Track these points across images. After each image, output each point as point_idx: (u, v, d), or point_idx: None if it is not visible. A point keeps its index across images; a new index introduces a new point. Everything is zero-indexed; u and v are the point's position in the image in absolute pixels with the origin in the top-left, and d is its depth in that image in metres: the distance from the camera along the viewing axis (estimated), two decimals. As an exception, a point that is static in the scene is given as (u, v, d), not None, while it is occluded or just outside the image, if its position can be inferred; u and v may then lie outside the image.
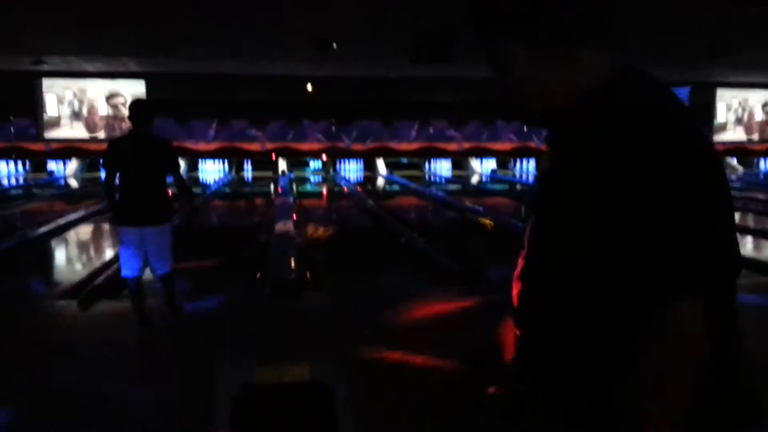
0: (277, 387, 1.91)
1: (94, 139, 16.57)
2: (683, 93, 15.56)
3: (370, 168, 18.45)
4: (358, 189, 14.28)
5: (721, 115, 18.44)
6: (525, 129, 18.59)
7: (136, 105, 4.16)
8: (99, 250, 8.04)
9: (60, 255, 7.82)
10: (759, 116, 18.85)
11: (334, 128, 18.14)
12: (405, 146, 18.47)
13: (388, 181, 16.75)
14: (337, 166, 18.49)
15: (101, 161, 4.24)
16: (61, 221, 8.97)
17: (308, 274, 5.77)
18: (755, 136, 18.93)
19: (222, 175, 17.44)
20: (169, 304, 4.38)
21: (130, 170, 4.08)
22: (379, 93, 17.12)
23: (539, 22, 0.98)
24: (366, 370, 3.34)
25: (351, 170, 18.56)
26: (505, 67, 1.03)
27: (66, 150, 16.78)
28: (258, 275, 5.76)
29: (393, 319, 4.36)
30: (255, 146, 17.83)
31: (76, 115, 16.56)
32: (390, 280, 5.92)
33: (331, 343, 2.55)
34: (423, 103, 17.93)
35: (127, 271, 4.19)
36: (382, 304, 4.78)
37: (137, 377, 3.49)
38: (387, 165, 18.26)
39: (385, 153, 18.34)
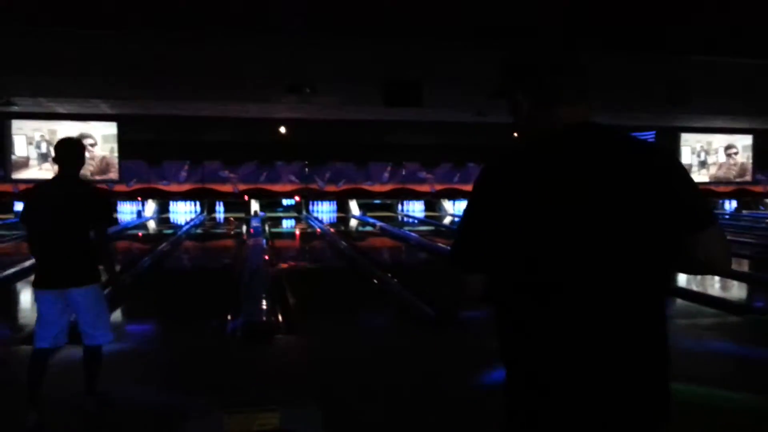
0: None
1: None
2: (649, 136, 16.00)
3: (343, 209, 18.50)
4: (331, 230, 14.26)
5: (686, 158, 18.94)
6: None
7: (62, 143, 3.52)
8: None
9: (26, 298, 7.62)
10: (722, 158, 19.40)
11: (307, 170, 18.21)
12: (378, 188, 18.59)
13: (361, 222, 16.77)
14: (310, 207, 18.52)
15: (21, 213, 3.56)
16: (27, 263, 8.77)
17: (280, 316, 5.70)
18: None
19: (193, 216, 17.30)
20: (88, 387, 3.53)
21: (51, 219, 3.41)
22: (352, 135, 17.29)
23: (538, 87, 1.52)
24: (337, 415, 3.28)
25: (324, 211, 18.57)
26: (517, 111, 1.55)
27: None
28: (229, 317, 5.67)
29: (367, 361, 4.31)
30: (227, 187, 17.79)
31: (44, 157, 16.36)
32: (364, 321, 5.88)
33: (303, 389, 2.50)
34: (396, 146, 18.14)
35: (41, 342, 3.44)
36: (356, 345, 4.74)
37: (98, 427, 3.37)
38: (360, 206, 18.33)
39: (359, 194, 18.44)
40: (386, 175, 18.60)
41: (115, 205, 17.41)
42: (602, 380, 1.40)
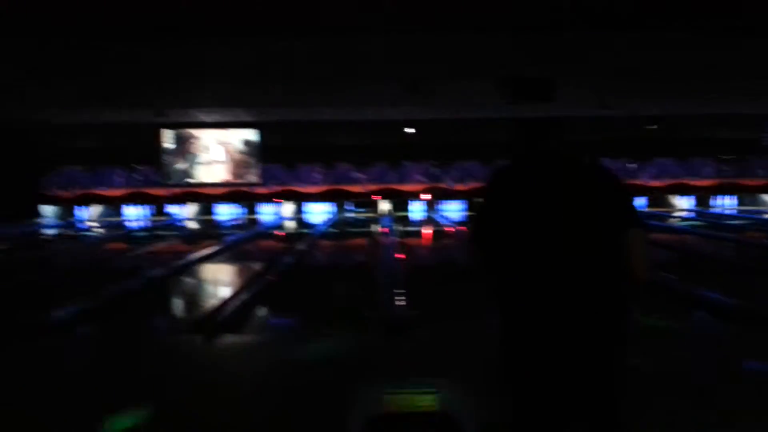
0: (405, 416, 1.96)
1: (209, 185, 17.63)
2: None
3: (473, 208, 18.46)
4: (462, 228, 14.27)
5: None
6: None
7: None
8: (218, 287, 8.47)
9: (183, 292, 8.29)
10: None
11: (435, 169, 18.35)
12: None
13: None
14: (439, 206, 18.66)
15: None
16: (182, 261, 9.53)
17: (416, 311, 5.81)
18: None
19: (327, 216, 17.95)
20: None
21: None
22: (478, 134, 17.22)
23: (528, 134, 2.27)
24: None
25: (453, 210, 18.63)
26: (521, 144, 2.28)
27: (185, 195, 17.91)
28: (367, 314, 5.86)
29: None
30: (358, 188, 18.31)
31: (193, 164, 17.69)
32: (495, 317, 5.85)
33: (454, 376, 2.56)
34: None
35: None
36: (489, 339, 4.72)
37: (261, 409, 3.62)
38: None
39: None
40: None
41: (256, 206, 18.48)
42: (557, 323, 2.00)
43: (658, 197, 18.70)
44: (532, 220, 2.06)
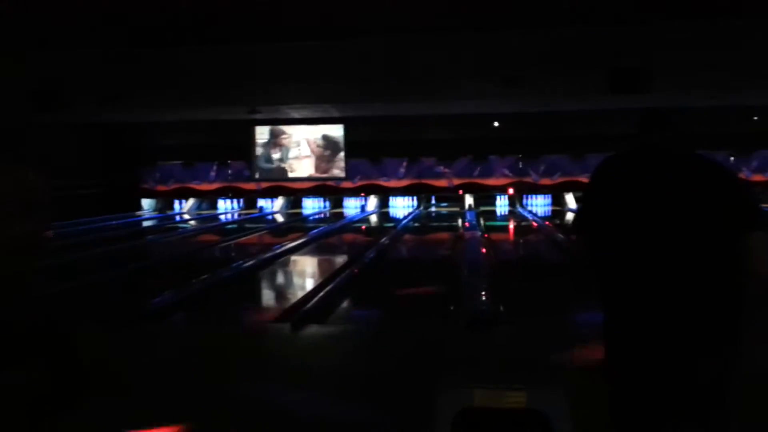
0: (495, 412, 1.94)
1: (296, 179, 18.09)
2: None
3: (558, 203, 18.02)
4: (547, 223, 13.96)
5: None
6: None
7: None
8: (304, 278, 8.68)
9: (271, 283, 8.54)
10: None
11: (521, 163, 18.02)
12: (595, 180, 17.79)
13: (578, 215, 16.18)
14: (524, 200, 18.32)
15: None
16: (270, 253, 9.82)
17: (500, 306, 5.74)
18: None
19: (410, 210, 18.01)
20: None
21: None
22: (567, 127, 16.77)
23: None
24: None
25: (539, 205, 18.25)
26: (634, 136, 2.27)
27: (273, 189, 18.45)
28: (451, 308, 5.84)
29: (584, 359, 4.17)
30: (442, 182, 18.24)
31: (281, 158, 18.17)
32: (583, 318, 5.69)
33: (542, 372, 2.51)
34: (614, 137, 17.16)
35: None
36: (574, 341, 4.59)
37: (347, 397, 3.68)
38: (577, 199, 17.69)
39: (574, 187, 17.79)
40: (605, 166, 17.72)
41: (342, 200, 18.79)
42: (663, 324, 1.92)
43: (760, 192, 17.61)
44: (641, 216, 1.99)
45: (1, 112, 12.22)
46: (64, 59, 8.25)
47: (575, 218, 2.26)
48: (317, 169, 18.15)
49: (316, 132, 17.97)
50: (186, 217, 18.07)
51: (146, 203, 19.06)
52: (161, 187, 18.90)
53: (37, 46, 7.47)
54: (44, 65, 8.55)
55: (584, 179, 17.64)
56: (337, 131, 17.85)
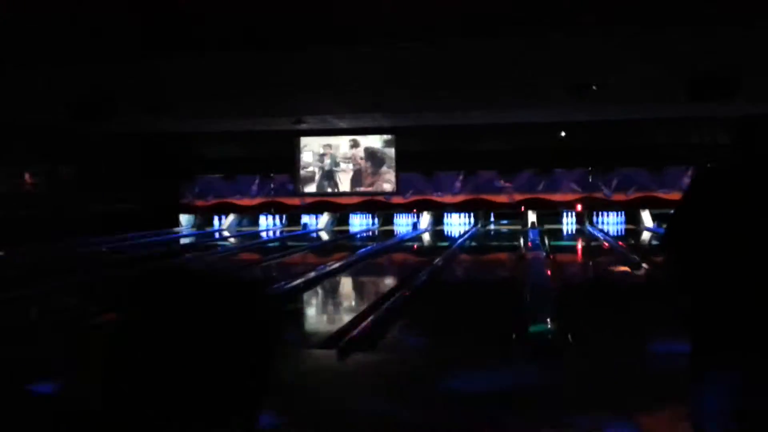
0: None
1: (342, 194, 18.21)
2: None
3: (634, 221, 17.62)
4: (620, 243, 13.67)
5: None
6: None
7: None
8: (351, 301, 8.72)
9: (315, 306, 8.61)
10: None
11: (590, 177, 17.72)
12: (676, 195, 17.31)
13: (656, 234, 15.78)
14: (594, 218, 17.98)
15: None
16: (314, 273, 9.89)
17: (568, 334, 5.64)
18: None
19: (467, 228, 17.90)
20: None
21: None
22: (643, 137, 16.43)
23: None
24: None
25: (611, 223, 17.89)
26: (735, 147, 2.21)
27: (318, 204, 18.60)
28: (513, 336, 5.77)
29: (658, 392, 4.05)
30: (502, 198, 18.07)
31: (327, 172, 18.36)
32: (658, 342, 5.53)
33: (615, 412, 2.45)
34: (696, 146, 16.75)
35: None
36: (647, 372, 4.46)
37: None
38: (654, 217, 17.26)
39: (652, 203, 17.38)
40: (686, 179, 17.25)
41: (392, 216, 18.81)
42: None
43: None
44: (751, 238, 1.92)
45: (42, 121, 12.81)
46: (113, 70, 8.61)
47: (666, 234, 2.20)
48: (365, 183, 18.26)
49: (363, 143, 18.10)
50: (226, 234, 18.42)
51: (184, 219, 19.46)
52: (200, 202, 19.30)
53: (86, 59, 7.83)
54: (92, 75, 8.93)
55: (663, 195, 17.33)
56: (387, 143, 17.94)
